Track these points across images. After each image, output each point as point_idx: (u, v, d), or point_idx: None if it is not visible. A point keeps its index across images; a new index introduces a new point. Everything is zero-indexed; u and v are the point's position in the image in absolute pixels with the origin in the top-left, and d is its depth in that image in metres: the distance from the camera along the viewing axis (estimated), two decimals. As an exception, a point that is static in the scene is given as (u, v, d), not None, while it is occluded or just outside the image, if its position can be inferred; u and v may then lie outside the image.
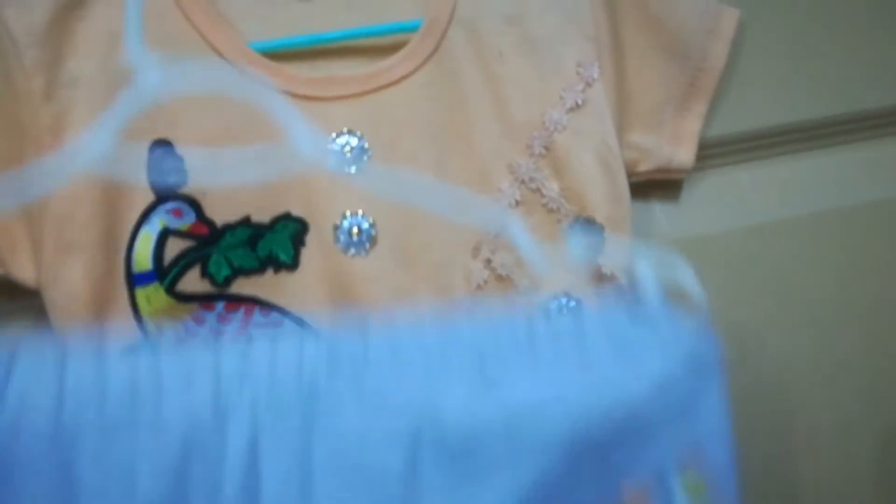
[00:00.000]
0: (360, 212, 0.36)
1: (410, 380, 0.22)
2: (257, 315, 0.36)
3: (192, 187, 0.35)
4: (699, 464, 0.27)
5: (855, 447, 0.44)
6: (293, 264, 0.36)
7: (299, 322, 0.36)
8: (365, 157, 0.37)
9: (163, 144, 0.35)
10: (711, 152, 0.43)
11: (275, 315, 0.36)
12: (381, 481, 0.21)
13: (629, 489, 0.26)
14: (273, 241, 0.36)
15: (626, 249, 0.38)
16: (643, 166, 0.41)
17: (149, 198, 0.35)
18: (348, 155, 0.37)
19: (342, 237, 0.36)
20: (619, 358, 0.25)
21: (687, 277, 0.28)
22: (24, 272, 0.35)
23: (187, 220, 0.35)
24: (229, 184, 0.34)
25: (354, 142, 0.37)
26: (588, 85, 0.39)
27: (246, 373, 0.21)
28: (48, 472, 0.20)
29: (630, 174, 0.40)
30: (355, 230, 0.36)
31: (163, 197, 0.35)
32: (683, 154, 0.41)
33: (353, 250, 0.36)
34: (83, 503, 0.20)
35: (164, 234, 0.35)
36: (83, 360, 0.21)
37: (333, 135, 0.37)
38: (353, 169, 0.37)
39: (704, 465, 0.27)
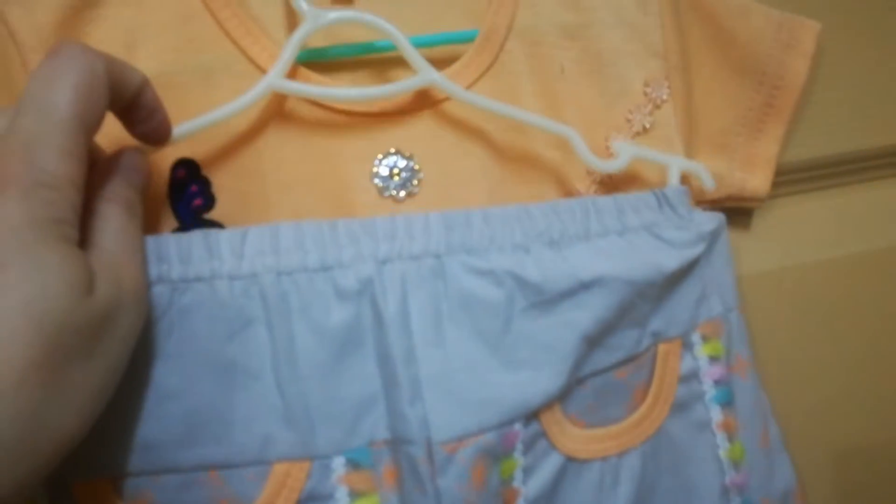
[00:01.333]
0: None
1: (502, 244, 0.30)
2: None
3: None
4: (719, 335, 0.35)
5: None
6: None
7: None
8: (415, 181, 0.33)
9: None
10: (783, 179, 0.39)
11: None
12: (488, 308, 0.29)
13: (663, 346, 0.34)
14: None
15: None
16: (712, 193, 0.37)
17: (172, 224, 0.31)
18: (396, 178, 0.33)
19: None
20: (651, 233, 0.33)
21: (701, 171, 0.35)
22: None
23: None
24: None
25: (403, 164, 0.33)
26: (656, 107, 0.36)
27: (395, 238, 0.29)
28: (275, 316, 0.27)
29: (698, 201, 0.37)
30: None
31: (187, 225, 0.31)
32: (758, 180, 0.37)
33: None
34: (297, 324, 0.27)
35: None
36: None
37: (380, 156, 0.33)
38: (401, 194, 0.33)
39: (723, 336, 0.35)
